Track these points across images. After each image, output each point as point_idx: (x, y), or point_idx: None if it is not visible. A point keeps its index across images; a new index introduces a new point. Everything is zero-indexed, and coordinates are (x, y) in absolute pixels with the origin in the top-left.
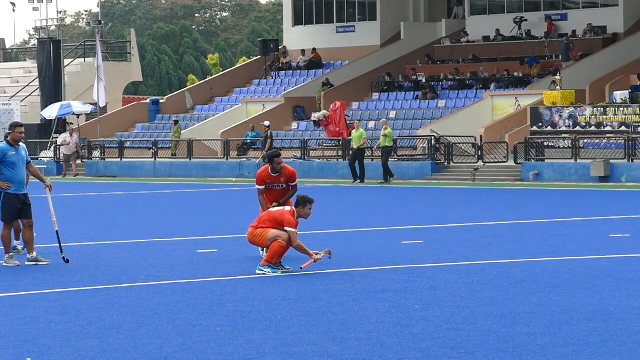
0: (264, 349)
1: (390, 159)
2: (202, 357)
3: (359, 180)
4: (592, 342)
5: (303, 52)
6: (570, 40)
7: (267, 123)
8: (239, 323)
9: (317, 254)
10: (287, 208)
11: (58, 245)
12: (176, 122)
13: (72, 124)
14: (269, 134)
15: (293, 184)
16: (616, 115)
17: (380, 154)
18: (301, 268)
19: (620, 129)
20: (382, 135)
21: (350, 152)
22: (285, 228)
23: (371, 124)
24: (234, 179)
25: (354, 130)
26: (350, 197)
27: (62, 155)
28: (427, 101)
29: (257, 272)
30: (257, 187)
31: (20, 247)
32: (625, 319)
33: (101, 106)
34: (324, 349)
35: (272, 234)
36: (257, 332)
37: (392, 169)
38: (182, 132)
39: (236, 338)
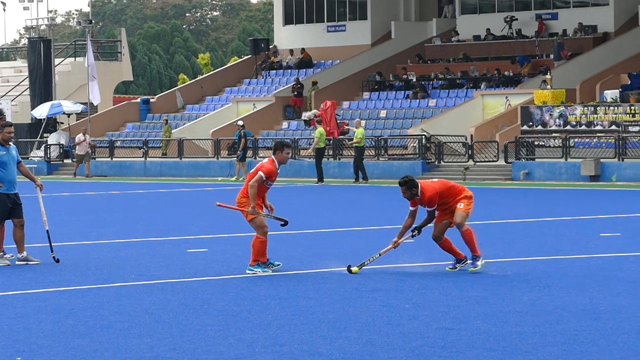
0: (254, 348)
1: (376, 159)
2: (193, 356)
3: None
4: (582, 341)
5: (291, 51)
6: (562, 39)
7: (240, 122)
8: (229, 322)
9: (255, 213)
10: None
11: (48, 244)
12: (166, 121)
13: (62, 123)
14: (242, 133)
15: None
16: (606, 114)
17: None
18: (216, 203)
19: (611, 128)
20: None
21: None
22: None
23: (362, 123)
24: (219, 179)
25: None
26: (340, 196)
27: (75, 155)
28: (418, 100)
29: (248, 271)
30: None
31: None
32: (615, 317)
33: (95, 104)
34: (314, 348)
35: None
36: (247, 331)
37: (383, 169)
38: (172, 131)
39: (227, 337)
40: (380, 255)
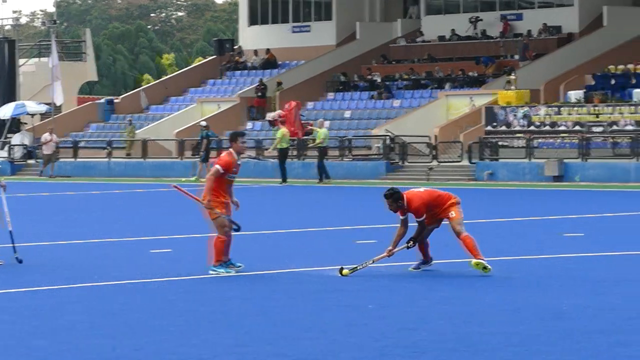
0: (217, 349)
1: (340, 160)
2: (156, 357)
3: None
4: (544, 341)
5: (256, 52)
6: (529, 40)
7: (203, 123)
8: (193, 323)
9: (206, 202)
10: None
11: (11, 245)
12: (130, 121)
13: (25, 123)
14: (203, 134)
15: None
16: (570, 114)
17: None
18: (172, 186)
19: (575, 128)
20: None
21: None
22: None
23: (326, 124)
24: (183, 179)
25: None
26: (304, 197)
27: (41, 155)
28: (382, 101)
29: (211, 272)
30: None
31: None
32: (577, 318)
33: (58, 104)
34: (278, 348)
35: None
36: (211, 332)
37: (347, 169)
38: (136, 131)
39: (190, 338)
40: (373, 262)
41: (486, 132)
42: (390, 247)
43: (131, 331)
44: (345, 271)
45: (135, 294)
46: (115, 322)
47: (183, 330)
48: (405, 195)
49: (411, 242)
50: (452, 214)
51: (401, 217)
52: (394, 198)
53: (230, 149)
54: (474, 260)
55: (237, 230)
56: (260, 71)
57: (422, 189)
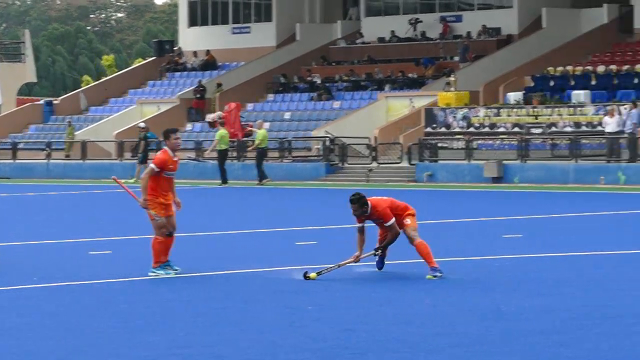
0: (156, 350)
1: (280, 161)
2: (95, 359)
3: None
4: (485, 342)
5: (195, 53)
6: (469, 42)
7: (142, 124)
8: (132, 325)
9: (142, 201)
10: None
11: None
12: (70, 123)
13: None
14: (141, 136)
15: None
16: (509, 116)
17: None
18: (112, 178)
19: (514, 130)
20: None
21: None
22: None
23: (265, 125)
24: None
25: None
26: (244, 198)
27: None
28: (322, 102)
29: (150, 274)
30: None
31: None
32: (517, 319)
33: None
34: (217, 350)
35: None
36: (150, 333)
37: (286, 170)
38: (76, 133)
39: (129, 340)
40: (339, 266)
41: (426, 134)
42: (357, 252)
43: (70, 333)
44: (312, 275)
45: (74, 295)
46: (54, 324)
47: (122, 332)
48: (370, 201)
49: (379, 251)
50: (408, 221)
51: (358, 225)
52: (361, 203)
53: (165, 147)
54: (428, 277)
55: (169, 235)
56: (200, 72)
57: (380, 197)
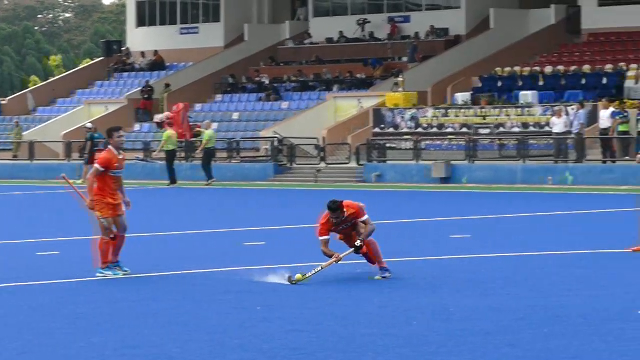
0: (104, 351)
1: (228, 162)
2: None
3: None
4: (432, 342)
5: (143, 54)
6: (417, 42)
7: (89, 125)
8: (79, 325)
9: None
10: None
11: None
12: (17, 123)
13: None
14: (88, 136)
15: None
16: (457, 116)
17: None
18: (61, 175)
19: (462, 130)
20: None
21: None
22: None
23: (214, 126)
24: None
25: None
26: (192, 199)
27: None
28: (270, 103)
29: (98, 274)
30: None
31: None
32: (465, 319)
33: None
34: (165, 350)
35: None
36: (98, 334)
37: (234, 171)
38: (23, 133)
39: (77, 341)
40: (322, 268)
41: (374, 134)
42: (336, 254)
43: (17, 334)
44: (298, 276)
45: (21, 296)
46: (0, 325)
47: (70, 333)
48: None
49: (359, 242)
50: (365, 218)
51: (326, 238)
52: (341, 209)
53: (109, 146)
54: (377, 277)
55: (113, 239)
56: (149, 73)
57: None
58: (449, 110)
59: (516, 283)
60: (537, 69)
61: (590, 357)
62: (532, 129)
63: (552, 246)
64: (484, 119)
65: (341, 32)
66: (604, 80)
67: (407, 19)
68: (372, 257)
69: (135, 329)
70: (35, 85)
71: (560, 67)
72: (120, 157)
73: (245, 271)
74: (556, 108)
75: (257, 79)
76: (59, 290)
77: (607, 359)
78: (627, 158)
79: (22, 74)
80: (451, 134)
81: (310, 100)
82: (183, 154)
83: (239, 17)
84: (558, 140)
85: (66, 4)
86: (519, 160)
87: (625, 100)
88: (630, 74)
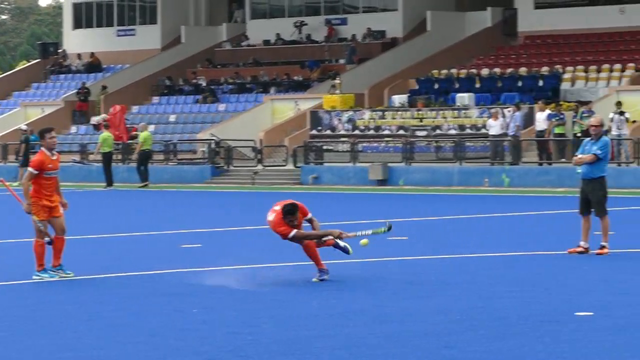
0: (42, 354)
1: (165, 164)
2: None
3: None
4: (369, 344)
5: (79, 55)
6: (356, 44)
7: (24, 127)
8: (17, 328)
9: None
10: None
11: None
12: None
13: None
14: (22, 139)
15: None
16: (394, 119)
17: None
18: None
19: (399, 132)
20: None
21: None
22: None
23: (150, 128)
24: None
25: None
26: (128, 201)
27: None
28: (207, 105)
29: (34, 277)
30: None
31: None
32: (402, 321)
33: None
34: (104, 353)
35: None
36: (36, 337)
37: (171, 173)
38: None
39: (14, 343)
40: (360, 235)
41: (311, 136)
42: (337, 231)
43: None
44: (363, 241)
45: None
46: None
47: (7, 336)
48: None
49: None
50: (310, 216)
51: (296, 230)
52: (297, 210)
53: (42, 148)
54: (314, 279)
55: (50, 243)
56: (85, 75)
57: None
58: (386, 113)
59: (453, 284)
60: (474, 71)
61: (527, 358)
62: (468, 131)
63: (490, 248)
64: (421, 121)
65: (278, 34)
66: (540, 83)
67: (344, 21)
68: (310, 259)
69: (75, 331)
70: None
71: (497, 69)
72: (54, 158)
73: (175, 273)
74: (492, 110)
75: (194, 81)
76: None
77: None
78: (563, 160)
79: None
80: (388, 136)
81: (247, 102)
82: (120, 156)
83: (175, 19)
84: (494, 142)
85: (2, 5)
86: (455, 162)
87: (561, 103)
88: (566, 76)
